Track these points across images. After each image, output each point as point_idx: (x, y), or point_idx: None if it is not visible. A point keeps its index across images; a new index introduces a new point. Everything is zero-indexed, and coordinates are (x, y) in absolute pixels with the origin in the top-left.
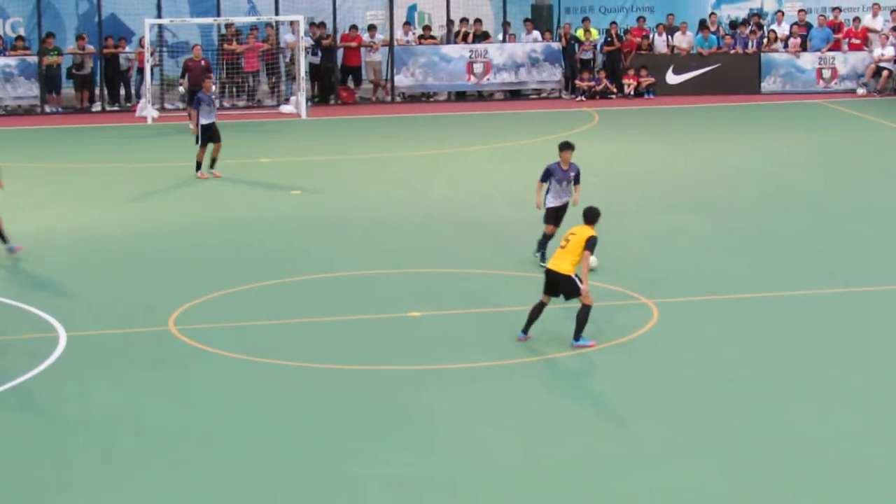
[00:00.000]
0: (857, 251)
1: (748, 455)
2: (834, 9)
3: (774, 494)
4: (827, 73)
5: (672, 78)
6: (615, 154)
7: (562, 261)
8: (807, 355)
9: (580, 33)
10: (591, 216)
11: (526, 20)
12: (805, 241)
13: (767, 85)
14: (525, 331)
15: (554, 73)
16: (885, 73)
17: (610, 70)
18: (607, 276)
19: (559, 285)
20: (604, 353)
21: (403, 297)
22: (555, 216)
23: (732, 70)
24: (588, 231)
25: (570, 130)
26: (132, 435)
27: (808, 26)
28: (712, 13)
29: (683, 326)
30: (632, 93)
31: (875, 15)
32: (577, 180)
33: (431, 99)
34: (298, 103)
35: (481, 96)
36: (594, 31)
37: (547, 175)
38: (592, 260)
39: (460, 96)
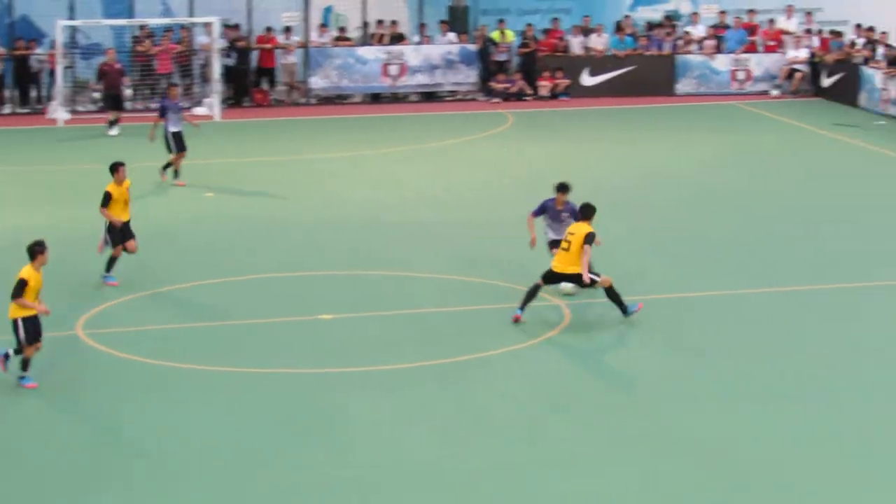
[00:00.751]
0: (773, 251)
1: (660, 454)
2: (748, 11)
3: (689, 493)
4: (741, 75)
5: (587, 80)
6: (530, 155)
7: (569, 264)
8: (722, 355)
9: (496, 35)
10: (587, 212)
11: (442, 22)
12: (720, 242)
13: (682, 87)
14: (521, 308)
15: (469, 75)
16: (798, 74)
17: (525, 72)
18: (520, 278)
19: (568, 281)
20: (516, 354)
21: (315, 300)
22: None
23: (647, 72)
24: (586, 227)
25: (485, 132)
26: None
27: (726, 27)
28: (627, 15)
29: (595, 327)
30: (547, 94)
31: (789, 17)
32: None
33: (346, 101)
34: (212, 105)
35: (397, 98)
36: (510, 33)
37: (541, 210)
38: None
39: (376, 98)
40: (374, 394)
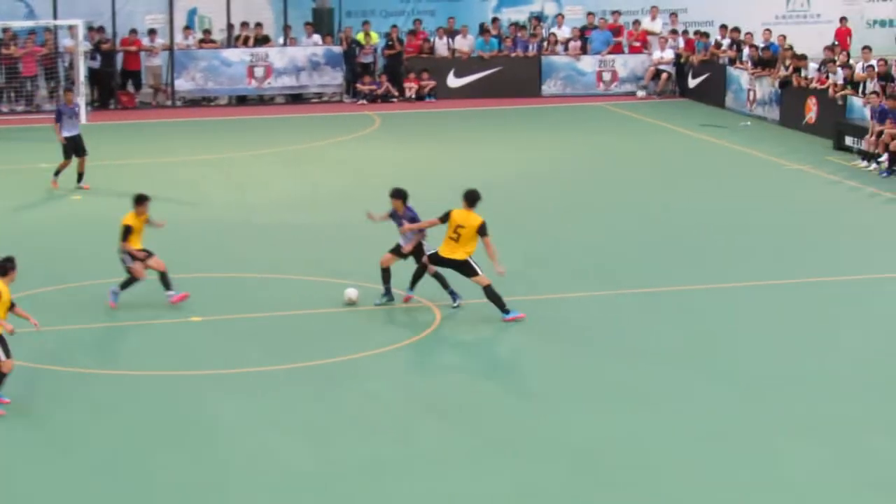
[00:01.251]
0: (633, 252)
1: (533, 456)
2: (613, 12)
3: (559, 496)
4: (607, 76)
5: (453, 81)
6: (396, 157)
7: (456, 250)
8: (589, 355)
9: (361, 37)
10: (473, 199)
11: (307, 24)
12: (587, 243)
13: (548, 88)
14: (411, 288)
15: (335, 77)
16: (664, 75)
17: (391, 74)
18: (396, 280)
19: (453, 268)
20: (387, 355)
21: (185, 302)
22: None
23: (513, 73)
24: (476, 218)
25: (352, 134)
26: None
27: (591, 28)
28: (494, 17)
29: (464, 328)
30: (413, 96)
31: (654, 18)
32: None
33: (212, 103)
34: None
35: (263, 100)
36: (374, 35)
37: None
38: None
39: (241, 100)
40: (244, 396)
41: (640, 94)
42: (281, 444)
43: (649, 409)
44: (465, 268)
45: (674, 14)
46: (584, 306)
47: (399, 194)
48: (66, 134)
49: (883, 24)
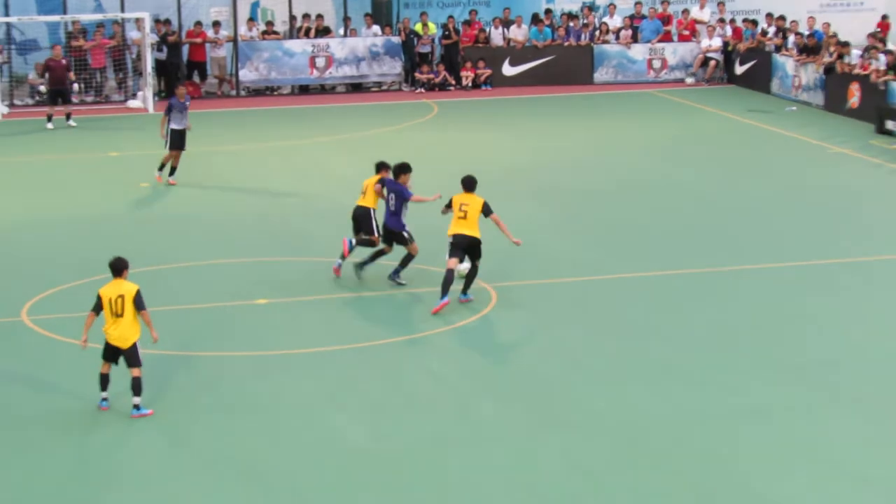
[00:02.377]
0: (683, 233)
1: (585, 433)
2: (663, 2)
3: (610, 470)
4: (657, 64)
5: (508, 70)
6: (453, 142)
7: (466, 229)
8: (640, 336)
9: (419, 27)
10: (471, 184)
11: (366, 15)
12: (637, 227)
13: (600, 75)
14: (444, 295)
15: (394, 66)
16: (712, 62)
17: (448, 63)
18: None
19: (471, 247)
20: (445, 336)
21: (253, 285)
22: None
23: (566, 61)
24: (479, 198)
25: (411, 121)
26: None
27: (642, 18)
28: (547, 7)
29: (519, 309)
30: (469, 84)
31: (702, 7)
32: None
33: (275, 93)
34: (145, 98)
35: (324, 89)
36: (432, 26)
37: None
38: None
39: (303, 90)
40: (306, 375)
41: (689, 80)
42: (343, 422)
43: (693, 388)
44: (478, 248)
45: (721, 3)
46: (634, 286)
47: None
48: (174, 126)
49: None
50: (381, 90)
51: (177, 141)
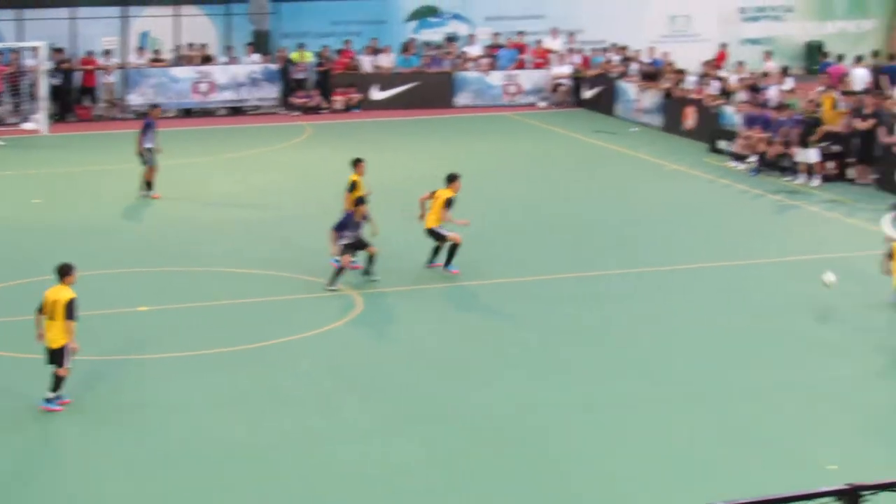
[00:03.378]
0: (527, 243)
1: (441, 425)
2: (518, 33)
3: (463, 459)
4: (513, 89)
5: (377, 94)
6: (325, 162)
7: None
8: (485, 338)
9: (295, 56)
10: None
11: (248, 44)
12: (487, 239)
13: (460, 100)
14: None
15: (272, 91)
16: (562, 88)
17: (322, 88)
18: (318, 271)
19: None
20: (313, 339)
21: (136, 293)
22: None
23: (430, 87)
24: (446, 192)
25: (287, 142)
26: None
27: (499, 47)
28: (412, 37)
29: (383, 314)
30: (342, 108)
31: (554, 37)
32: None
33: (161, 116)
34: (40, 121)
35: (207, 112)
36: (308, 54)
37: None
38: None
39: (188, 113)
40: (182, 378)
41: (542, 104)
42: (217, 419)
43: (544, 382)
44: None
45: (571, 34)
46: (493, 291)
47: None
48: (147, 145)
49: (754, 42)
50: (260, 113)
51: (152, 158)
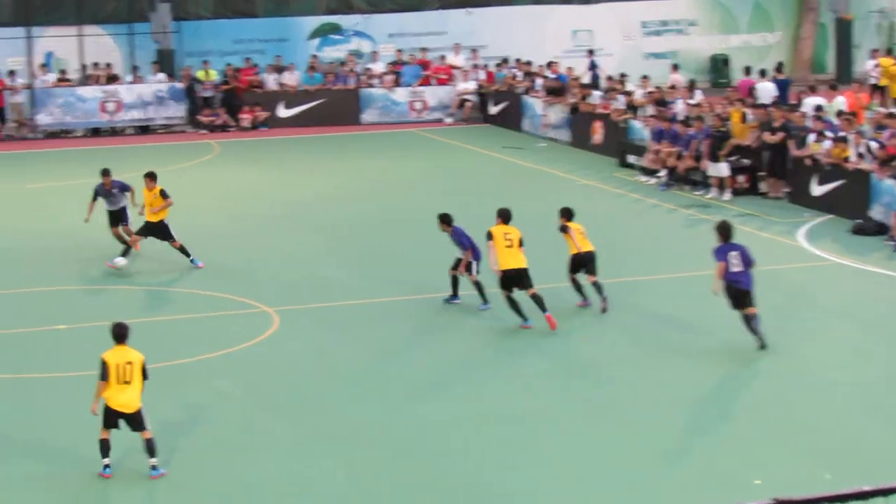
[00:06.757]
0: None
1: (360, 445)
2: (422, 49)
3: (384, 478)
4: (418, 105)
5: (283, 112)
6: (234, 179)
7: (520, 257)
8: (401, 355)
9: (200, 74)
10: (509, 215)
11: (153, 63)
12: (395, 256)
13: (367, 116)
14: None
15: (179, 110)
16: (468, 104)
17: (228, 106)
18: (236, 288)
19: (522, 278)
20: (229, 357)
21: (52, 313)
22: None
23: (336, 104)
24: (517, 231)
25: (195, 160)
26: None
27: (403, 63)
28: (315, 55)
29: (300, 331)
30: (248, 126)
31: (457, 53)
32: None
33: (70, 135)
34: None
35: (115, 132)
36: (212, 72)
37: None
38: None
39: (96, 132)
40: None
41: (448, 120)
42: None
43: (451, 400)
44: (528, 276)
45: (475, 50)
46: (395, 310)
47: (444, 219)
48: (111, 208)
49: (658, 56)
50: (168, 132)
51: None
